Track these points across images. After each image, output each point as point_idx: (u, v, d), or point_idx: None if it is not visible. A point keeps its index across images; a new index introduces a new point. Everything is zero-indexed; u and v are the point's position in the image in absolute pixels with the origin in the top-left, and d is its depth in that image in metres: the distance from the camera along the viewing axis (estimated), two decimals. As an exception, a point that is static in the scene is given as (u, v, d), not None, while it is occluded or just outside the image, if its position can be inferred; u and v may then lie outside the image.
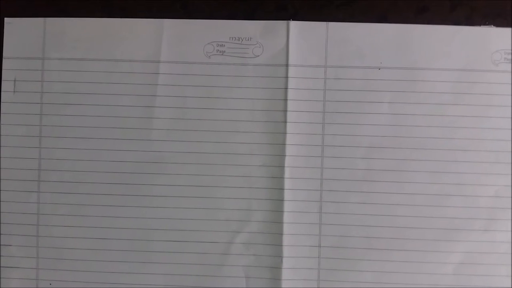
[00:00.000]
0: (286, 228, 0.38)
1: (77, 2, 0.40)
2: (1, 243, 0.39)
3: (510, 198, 0.38)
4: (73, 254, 0.39)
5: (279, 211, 0.38)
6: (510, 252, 0.38)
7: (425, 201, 0.38)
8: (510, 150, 0.38)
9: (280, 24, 0.39)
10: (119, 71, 0.39)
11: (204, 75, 0.39)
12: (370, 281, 0.38)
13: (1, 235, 0.39)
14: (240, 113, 0.39)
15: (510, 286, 0.38)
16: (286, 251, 0.38)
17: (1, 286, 0.39)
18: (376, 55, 0.38)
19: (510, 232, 0.38)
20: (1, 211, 0.39)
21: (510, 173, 0.38)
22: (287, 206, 0.38)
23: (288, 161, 0.38)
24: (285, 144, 0.38)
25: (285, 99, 0.38)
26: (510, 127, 0.38)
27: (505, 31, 0.38)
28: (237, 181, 0.38)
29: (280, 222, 0.38)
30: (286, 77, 0.38)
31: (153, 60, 0.39)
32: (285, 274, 0.38)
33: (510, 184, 0.38)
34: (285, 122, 0.38)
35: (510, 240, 0.38)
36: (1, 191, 0.39)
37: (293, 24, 0.38)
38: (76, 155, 0.39)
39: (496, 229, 0.38)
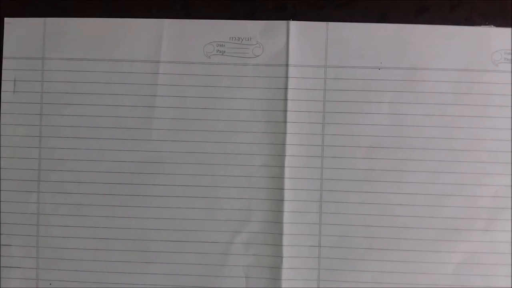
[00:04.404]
0: (286, 228, 0.38)
1: (77, 2, 0.40)
2: (1, 243, 0.39)
3: (510, 198, 0.38)
4: (73, 254, 0.39)
5: (279, 211, 0.38)
6: (510, 252, 0.38)
7: (425, 201, 0.38)
8: (510, 150, 0.38)
9: (280, 24, 0.39)
10: (119, 71, 0.39)
11: (204, 75, 0.39)
12: (370, 281, 0.38)
13: (1, 235, 0.39)
14: (240, 113, 0.39)
15: (510, 286, 0.38)
16: (286, 251, 0.38)
17: (1, 286, 0.39)
18: (376, 55, 0.38)
19: (510, 232, 0.38)
20: (1, 211, 0.39)
21: (510, 173, 0.38)
22: (287, 206, 0.38)
23: (288, 161, 0.38)
24: (285, 144, 0.38)
25: (285, 99, 0.38)
26: (510, 127, 0.38)
27: (505, 31, 0.38)
28: (237, 181, 0.38)
29: (280, 222, 0.38)
30: (286, 77, 0.38)
31: (153, 60, 0.39)
32: (285, 274, 0.38)
33: (510, 184, 0.38)
34: (285, 122, 0.38)
35: (510, 240, 0.38)
36: (1, 191, 0.39)
37: (293, 24, 0.38)
38: (76, 155, 0.39)
39: (496, 229, 0.38)
